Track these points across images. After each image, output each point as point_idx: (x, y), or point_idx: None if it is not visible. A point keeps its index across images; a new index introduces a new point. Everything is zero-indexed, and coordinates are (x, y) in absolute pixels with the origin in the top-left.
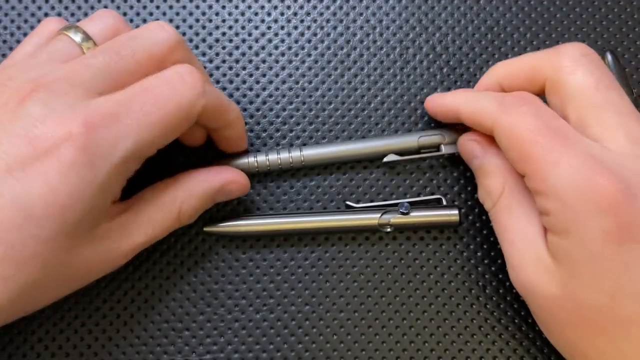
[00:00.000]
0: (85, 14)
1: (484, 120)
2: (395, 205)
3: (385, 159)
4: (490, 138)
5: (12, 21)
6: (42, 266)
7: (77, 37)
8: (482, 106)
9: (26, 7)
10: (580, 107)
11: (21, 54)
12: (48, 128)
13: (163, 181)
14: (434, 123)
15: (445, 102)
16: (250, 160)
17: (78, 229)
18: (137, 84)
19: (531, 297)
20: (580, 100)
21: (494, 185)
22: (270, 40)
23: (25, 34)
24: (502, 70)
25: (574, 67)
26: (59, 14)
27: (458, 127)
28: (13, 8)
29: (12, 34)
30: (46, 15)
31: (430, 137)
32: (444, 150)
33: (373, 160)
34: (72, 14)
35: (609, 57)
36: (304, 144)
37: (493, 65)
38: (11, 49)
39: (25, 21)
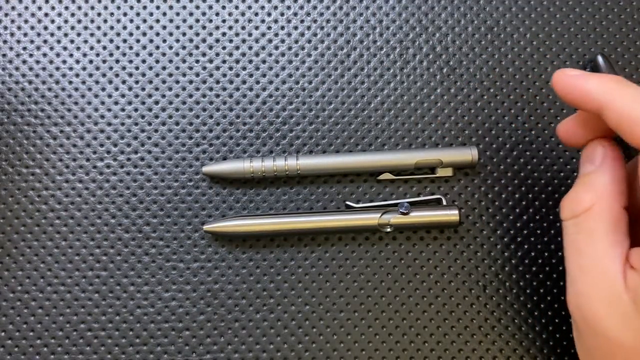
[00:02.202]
0: (86, 14)
1: (637, 132)
2: (395, 205)
3: (379, 178)
4: (619, 153)
5: (13, 21)
6: None
7: None
8: (634, 107)
9: (26, 7)
10: None
11: None
12: None
13: None
14: (433, 123)
15: (590, 88)
16: (245, 165)
17: None
18: None
19: (591, 331)
20: None
21: (584, 198)
22: (270, 41)
23: (25, 34)
24: None
25: None
26: (59, 15)
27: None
28: (13, 8)
29: (12, 34)
30: (46, 15)
31: (427, 160)
32: (439, 172)
33: (369, 175)
34: (73, 14)
35: (599, 59)
36: (304, 144)
37: None
38: (11, 49)
39: (26, 21)
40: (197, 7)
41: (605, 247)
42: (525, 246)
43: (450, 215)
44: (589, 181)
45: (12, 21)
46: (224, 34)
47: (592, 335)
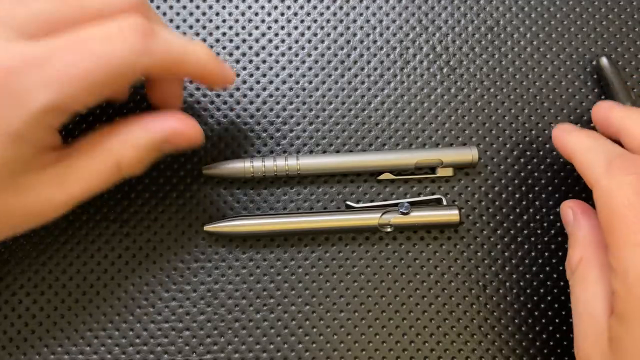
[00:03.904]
0: None
1: (588, 174)
2: (396, 205)
3: (379, 177)
4: (586, 206)
5: None
6: None
7: None
8: (590, 160)
9: None
10: None
11: None
12: None
13: (99, 130)
14: (433, 123)
15: (565, 142)
16: (246, 165)
17: (6, 182)
18: (73, 32)
19: None
20: None
21: (573, 256)
22: (270, 41)
23: None
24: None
25: None
26: None
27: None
28: None
29: None
30: None
31: (428, 160)
32: (440, 172)
33: (370, 175)
34: None
35: (604, 61)
36: (305, 144)
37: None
38: None
39: None
40: (197, 7)
41: (595, 291)
42: (525, 246)
43: (451, 215)
44: (572, 239)
45: None
46: (224, 34)
47: None
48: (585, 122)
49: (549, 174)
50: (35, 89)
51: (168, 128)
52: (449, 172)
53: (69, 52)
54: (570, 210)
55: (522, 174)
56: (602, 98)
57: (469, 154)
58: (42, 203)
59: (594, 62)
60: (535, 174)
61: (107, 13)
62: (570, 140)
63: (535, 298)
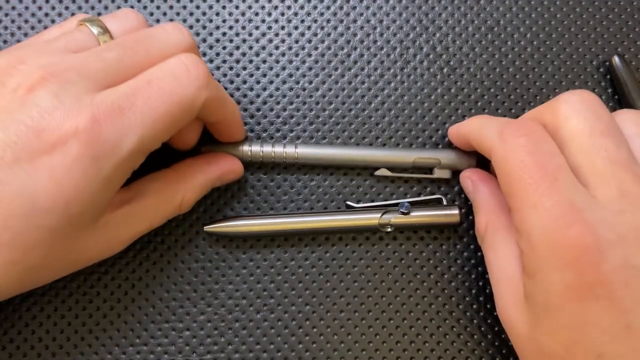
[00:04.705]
0: None
1: (484, 147)
2: (396, 205)
3: (376, 173)
4: (483, 173)
5: (13, 21)
6: (45, 253)
7: (95, 30)
8: (485, 133)
9: (27, 8)
10: (574, 153)
11: (40, 38)
12: (56, 121)
13: (164, 172)
14: (434, 123)
15: (460, 130)
16: (244, 149)
17: (82, 220)
18: (141, 76)
19: (508, 333)
20: (573, 145)
21: (479, 222)
22: (270, 41)
23: (26, 35)
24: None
25: (570, 112)
26: (60, 15)
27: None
28: (14, 8)
29: (12, 34)
30: (47, 15)
31: (425, 159)
32: (437, 174)
33: (367, 168)
34: (73, 14)
35: (616, 60)
36: (305, 144)
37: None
38: None
39: (26, 21)
40: (198, 7)
41: (505, 254)
42: None
43: (451, 215)
44: (475, 206)
45: (12, 21)
46: (224, 34)
47: (511, 339)
48: None
49: None
50: (121, 136)
51: (222, 169)
52: (446, 174)
53: (145, 96)
54: (469, 180)
55: None
56: (613, 97)
57: (466, 161)
58: (112, 241)
59: (594, 62)
60: None
61: (167, 54)
62: (463, 126)
63: None
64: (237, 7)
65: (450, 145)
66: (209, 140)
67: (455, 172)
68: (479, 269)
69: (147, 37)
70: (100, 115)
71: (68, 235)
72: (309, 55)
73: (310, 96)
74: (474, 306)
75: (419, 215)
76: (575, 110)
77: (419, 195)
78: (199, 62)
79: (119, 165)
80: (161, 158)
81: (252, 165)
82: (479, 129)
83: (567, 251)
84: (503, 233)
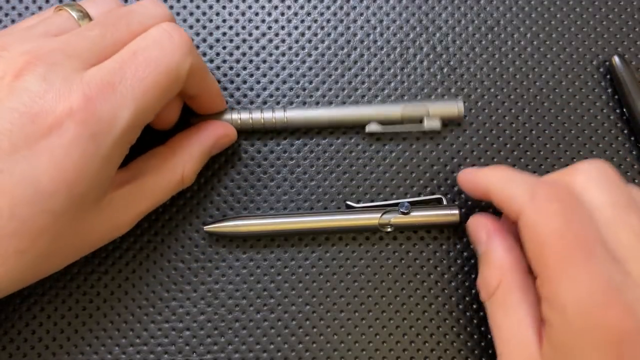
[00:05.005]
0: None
1: (511, 207)
2: (396, 205)
3: (367, 128)
4: (499, 224)
5: (13, 21)
6: (52, 238)
7: (75, 14)
8: (512, 192)
9: (27, 7)
10: (598, 225)
11: (19, 27)
12: (49, 104)
13: (160, 149)
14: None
15: (478, 180)
16: (233, 117)
17: (86, 201)
18: (125, 49)
19: None
20: (598, 217)
21: (491, 277)
22: (271, 41)
23: None
24: None
25: (588, 183)
26: None
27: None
28: (14, 8)
29: None
30: None
31: (413, 108)
32: (426, 124)
33: (357, 131)
34: None
35: (616, 60)
36: (305, 144)
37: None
38: None
39: None
40: (198, 7)
41: (520, 317)
42: None
43: (451, 215)
44: (488, 260)
45: (13, 21)
46: (224, 34)
47: None
48: (586, 120)
49: (548, 172)
50: (115, 110)
51: (216, 135)
52: (436, 124)
53: (133, 68)
54: (484, 229)
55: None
56: (613, 97)
57: (454, 107)
58: (117, 221)
59: (594, 62)
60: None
61: (149, 26)
62: (481, 177)
63: None
64: (237, 7)
65: (451, 145)
66: (189, 117)
67: (445, 123)
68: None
69: (126, 12)
70: (92, 93)
71: (73, 218)
72: (309, 55)
73: (311, 96)
74: (474, 306)
75: (419, 215)
76: (594, 181)
77: (418, 195)
78: (180, 30)
79: (117, 141)
80: (154, 138)
81: (242, 133)
82: (504, 185)
83: (608, 333)
84: (518, 295)
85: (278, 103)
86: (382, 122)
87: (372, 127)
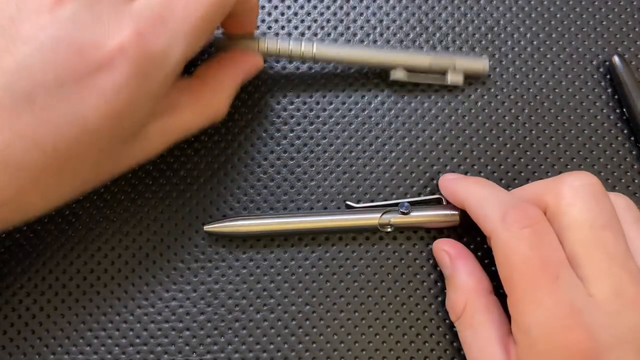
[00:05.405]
0: None
1: (485, 226)
2: (396, 205)
3: (392, 75)
4: (461, 249)
5: None
6: (91, 170)
7: None
8: (485, 212)
9: None
10: (572, 242)
11: None
12: (96, 37)
13: (196, 81)
14: (434, 123)
15: (456, 192)
16: (260, 45)
17: (127, 137)
18: None
19: None
20: (573, 235)
21: (457, 300)
22: None
23: None
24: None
25: (573, 200)
26: None
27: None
28: None
29: None
30: None
31: (441, 59)
32: (450, 79)
33: (382, 77)
34: None
35: (616, 60)
36: (305, 144)
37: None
38: None
39: None
40: None
41: (487, 336)
42: None
43: (451, 215)
44: (453, 283)
45: None
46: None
47: None
48: (586, 120)
49: (548, 173)
50: (167, 47)
51: (247, 68)
52: (459, 79)
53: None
54: (446, 255)
55: (521, 174)
56: (613, 97)
57: (480, 63)
58: (148, 149)
59: (594, 62)
60: (536, 175)
61: None
62: (459, 190)
63: None
64: None
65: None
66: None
67: (467, 77)
68: None
69: None
70: (144, 28)
71: (113, 149)
72: None
73: (311, 96)
74: None
75: (419, 216)
76: (579, 198)
77: (418, 195)
78: None
79: (166, 79)
80: None
81: (269, 56)
82: (479, 204)
83: (570, 354)
84: (483, 315)
85: (278, 104)
86: (409, 70)
87: (397, 75)
